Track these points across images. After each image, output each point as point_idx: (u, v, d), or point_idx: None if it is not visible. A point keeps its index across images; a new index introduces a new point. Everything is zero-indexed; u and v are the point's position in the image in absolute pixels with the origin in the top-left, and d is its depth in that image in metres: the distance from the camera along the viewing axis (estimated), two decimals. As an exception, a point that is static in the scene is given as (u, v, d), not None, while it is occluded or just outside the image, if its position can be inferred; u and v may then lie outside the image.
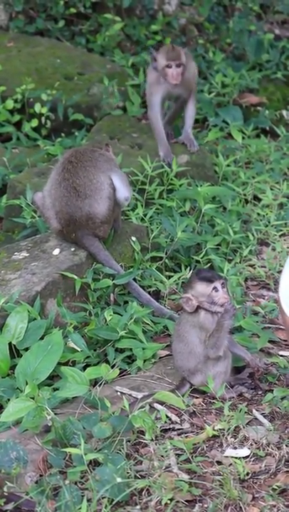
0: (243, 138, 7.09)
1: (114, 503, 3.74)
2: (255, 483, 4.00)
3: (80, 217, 5.14)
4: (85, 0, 8.25)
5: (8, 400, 4.36)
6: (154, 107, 6.39)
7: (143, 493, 3.87)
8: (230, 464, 4.06)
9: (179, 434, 4.31)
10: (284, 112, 7.81)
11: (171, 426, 4.36)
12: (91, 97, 7.41)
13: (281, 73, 8.04)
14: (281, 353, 5.00)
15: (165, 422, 4.36)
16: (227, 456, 4.13)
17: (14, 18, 8.26)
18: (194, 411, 4.48)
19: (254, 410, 4.48)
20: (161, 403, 4.42)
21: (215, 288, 4.49)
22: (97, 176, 5.18)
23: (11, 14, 8.29)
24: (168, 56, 6.21)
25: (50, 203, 5.22)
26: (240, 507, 3.84)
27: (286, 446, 4.20)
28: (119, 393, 4.54)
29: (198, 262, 5.70)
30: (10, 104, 7.14)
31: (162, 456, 4.06)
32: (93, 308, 5.00)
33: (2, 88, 7.17)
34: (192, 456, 4.12)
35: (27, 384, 4.25)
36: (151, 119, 6.44)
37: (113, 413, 4.20)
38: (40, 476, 3.93)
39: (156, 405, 4.42)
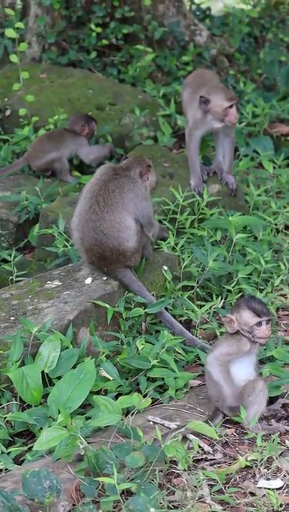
0: (274, 168, 7.11)
1: (147, 533, 3.72)
2: (289, 515, 3.97)
3: (111, 255, 5.15)
4: (117, 31, 8.34)
5: (41, 428, 4.38)
6: (195, 139, 6.41)
7: (176, 523, 3.85)
8: (264, 495, 4.03)
9: (211, 465, 4.29)
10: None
11: (204, 456, 4.34)
12: (122, 127, 7.47)
13: (312, 103, 8.09)
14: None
15: (198, 452, 4.34)
16: (260, 487, 4.09)
17: (47, 49, 8.38)
18: (227, 441, 4.45)
19: (287, 441, 4.44)
20: (194, 433, 4.40)
21: (260, 323, 4.51)
22: (124, 218, 5.15)
23: (44, 46, 8.41)
24: (228, 97, 6.19)
25: (79, 238, 5.24)
26: (274, 539, 3.82)
27: None
28: (151, 423, 4.53)
29: (229, 291, 5.70)
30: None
31: (195, 486, 4.04)
32: (125, 337, 5.01)
33: (35, 118, 7.26)
34: (225, 487, 4.09)
35: (59, 413, 4.25)
36: (190, 150, 6.46)
37: (146, 443, 4.19)
38: (73, 505, 3.92)
39: (189, 435, 4.40)
